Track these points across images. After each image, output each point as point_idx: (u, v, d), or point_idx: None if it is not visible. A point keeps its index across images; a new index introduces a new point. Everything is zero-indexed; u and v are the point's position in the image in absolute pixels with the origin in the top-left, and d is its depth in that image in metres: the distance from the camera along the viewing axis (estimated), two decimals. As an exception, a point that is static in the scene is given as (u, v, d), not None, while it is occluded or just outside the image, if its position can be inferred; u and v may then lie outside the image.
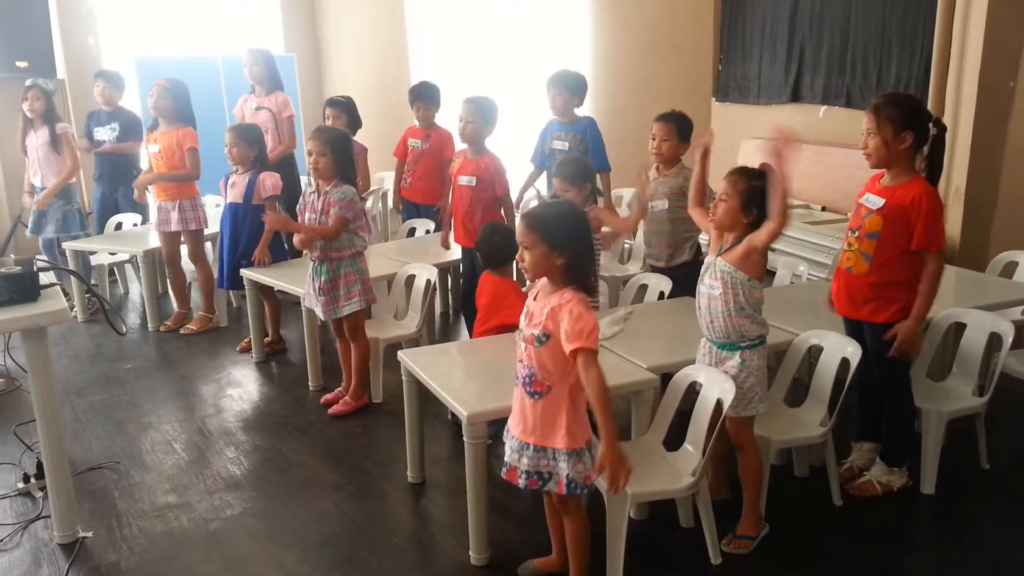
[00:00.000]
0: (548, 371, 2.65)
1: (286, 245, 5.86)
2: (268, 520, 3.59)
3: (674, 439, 3.24)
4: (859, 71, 6.36)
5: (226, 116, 8.16)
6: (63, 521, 3.41)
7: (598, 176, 4.93)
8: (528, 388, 2.70)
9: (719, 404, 3.02)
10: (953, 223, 5.43)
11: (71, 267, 6.04)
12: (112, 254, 6.80)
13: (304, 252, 4.48)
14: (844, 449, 3.72)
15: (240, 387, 5.06)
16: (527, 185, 5.61)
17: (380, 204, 7.77)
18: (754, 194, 2.98)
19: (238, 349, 5.62)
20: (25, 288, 3.19)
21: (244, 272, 5.23)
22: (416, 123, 6.19)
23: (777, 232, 2.93)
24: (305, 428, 4.47)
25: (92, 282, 6.63)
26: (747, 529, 3.23)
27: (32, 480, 3.83)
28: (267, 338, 5.54)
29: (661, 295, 4.34)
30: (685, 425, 3.21)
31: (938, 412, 3.55)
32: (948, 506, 3.52)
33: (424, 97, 6.09)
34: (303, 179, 6.40)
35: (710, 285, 3.10)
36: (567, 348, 2.55)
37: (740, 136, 7.30)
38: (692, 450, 3.14)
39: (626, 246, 5.98)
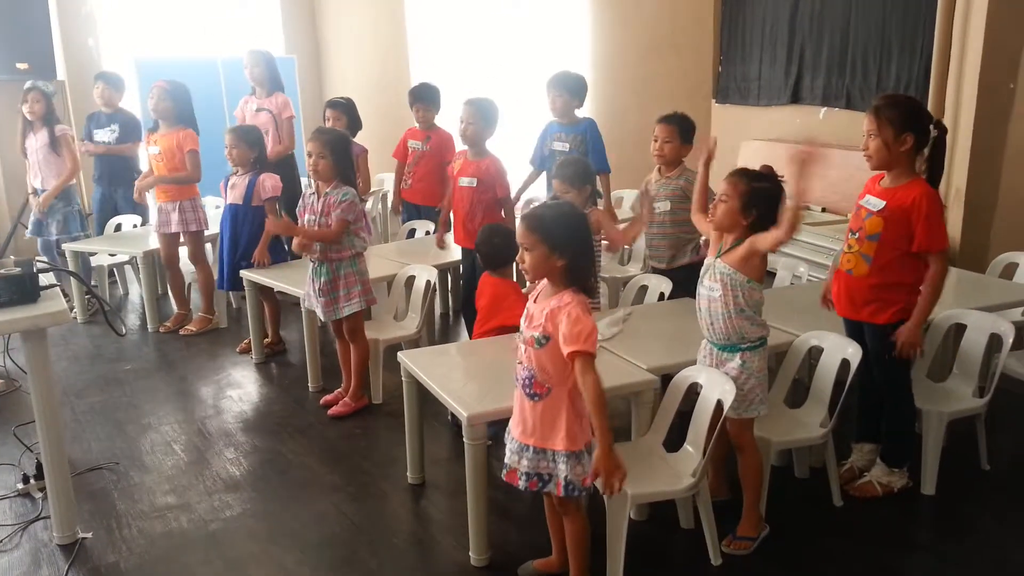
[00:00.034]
0: (548, 373, 2.65)
1: (286, 246, 5.87)
2: (268, 521, 3.58)
3: (674, 440, 3.24)
4: (859, 72, 6.36)
5: (226, 118, 8.16)
6: (63, 522, 3.41)
7: (598, 178, 4.92)
8: (528, 390, 2.70)
9: (719, 405, 3.01)
10: (953, 224, 5.43)
11: (71, 268, 6.04)
12: (112, 255, 6.80)
13: (303, 253, 4.48)
14: (844, 450, 3.72)
15: (240, 388, 5.06)
16: (525, 186, 5.61)
17: (380, 205, 7.77)
18: (754, 196, 2.99)
19: (238, 350, 5.62)
20: (25, 289, 3.19)
21: (244, 273, 5.22)
22: (416, 124, 6.19)
23: (783, 242, 2.94)
24: (305, 429, 4.47)
25: (92, 283, 6.63)
26: (747, 530, 3.23)
27: (32, 481, 3.83)
28: (267, 339, 5.54)
29: (661, 296, 4.33)
30: (685, 426, 3.20)
31: (938, 413, 3.55)
32: (948, 507, 3.52)
33: (424, 99, 6.10)
34: (303, 180, 6.40)
35: (710, 287, 3.10)
36: (565, 351, 2.56)
37: (740, 137, 7.31)
38: (692, 451, 3.14)
39: (626, 248, 5.97)
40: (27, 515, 3.64)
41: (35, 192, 6.47)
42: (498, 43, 8.68)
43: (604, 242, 4.38)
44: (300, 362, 5.33)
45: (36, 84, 6.39)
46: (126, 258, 6.90)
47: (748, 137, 7.30)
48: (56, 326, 3.25)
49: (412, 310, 4.93)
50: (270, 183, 5.27)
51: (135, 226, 6.69)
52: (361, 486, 3.86)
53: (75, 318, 6.24)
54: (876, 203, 3.29)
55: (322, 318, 4.52)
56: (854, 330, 3.47)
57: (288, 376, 5.27)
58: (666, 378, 3.32)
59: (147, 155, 5.95)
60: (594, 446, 2.67)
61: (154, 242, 6.02)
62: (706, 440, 3.06)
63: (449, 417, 4.22)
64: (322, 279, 4.38)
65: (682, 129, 4.28)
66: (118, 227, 6.66)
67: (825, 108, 6.76)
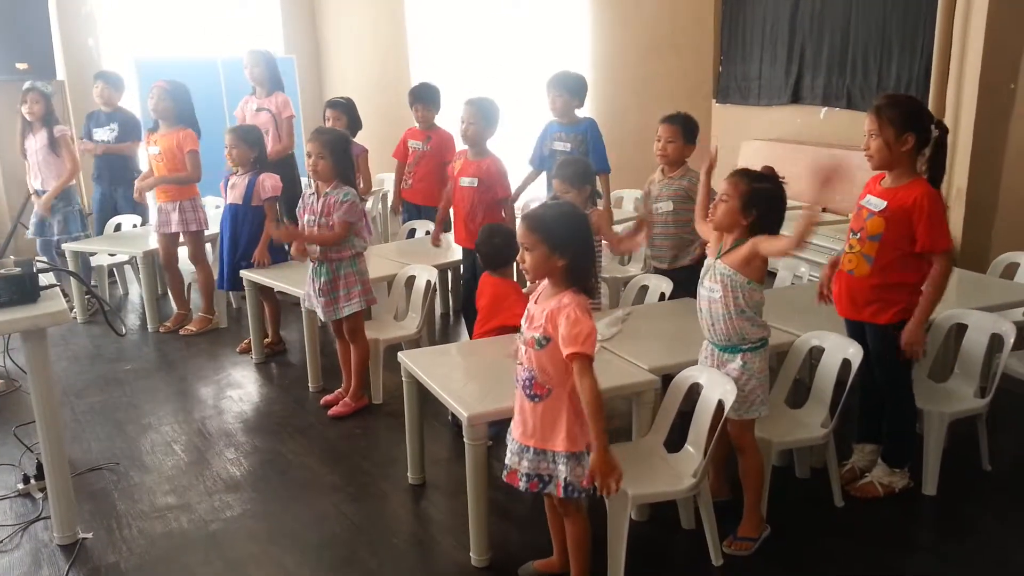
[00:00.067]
0: (548, 374, 2.65)
1: (286, 246, 5.87)
2: (268, 521, 3.58)
3: (675, 440, 3.24)
4: (859, 72, 6.36)
5: (226, 118, 8.15)
6: (63, 522, 3.41)
7: (598, 178, 4.92)
8: (528, 391, 2.69)
9: (720, 405, 3.01)
10: (954, 224, 5.42)
11: (71, 268, 6.04)
12: (111, 255, 6.80)
13: (301, 258, 4.47)
14: (845, 450, 3.71)
15: (240, 388, 5.06)
16: (524, 186, 5.61)
17: (380, 205, 7.76)
18: (755, 196, 2.98)
19: (238, 350, 5.62)
20: (25, 289, 3.19)
21: (244, 273, 5.22)
22: (416, 124, 6.18)
23: (788, 253, 2.94)
24: (305, 429, 4.47)
25: (92, 283, 6.63)
26: (748, 531, 3.22)
27: (32, 481, 3.82)
28: (267, 339, 5.53)
29: (662, 296, 4.33)
30: (686, 426, 3.20)
31: (940, 413, 3.54)
32: (950, 507, 3.52)
33: (423, 98, 6.09)
34: (304, 180, 6.40)
35: (710, 288, 3.09)
36: (564, 352, 2.56)
37: (740, 137, 7.31)
38: (693, 451, 3.14)
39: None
40: (27, 515, 3.64)
41: (36, 193, 6.46)
42: (498, 43, 8.67)
43: (605, 242, 4.37)
44: (300, 362, 5.33)
45: (35, 85, 6.38)
46: (126, 258, 6.90)
47: (748, 137, 7.30)
48: (56, 326, 3.25)
49: (412, 310, 4.93)
50: (270, 183, 5.27)
51: (135, 226, 6.68)
52: (361, 486, 3.86)
53: (75, 318, 6.23)
54: (877, 203, 3.29)
55: (322, 318, 4.52)
56: (855, 330, 3.46)
57: (288, 376, 5.26)
58: (667, 378, 3.32)
59: (147, 155, 5.94)
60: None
61: (154, 242, 6.02)
62: (707, 440, 3.06)
63: (449, 417, 4.22)
64: (322, 279, 4.38)
65: (685, 129, 4.27)
66: (118, 227, 6.65)
67: (826, 108, 6.76)
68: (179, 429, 4.49)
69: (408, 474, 3.84)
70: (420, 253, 5.38)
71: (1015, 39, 5.25)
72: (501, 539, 3.31)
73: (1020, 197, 5.42)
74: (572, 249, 2.62)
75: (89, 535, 3.45)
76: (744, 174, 3.04)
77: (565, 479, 2.67)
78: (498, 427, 3.42)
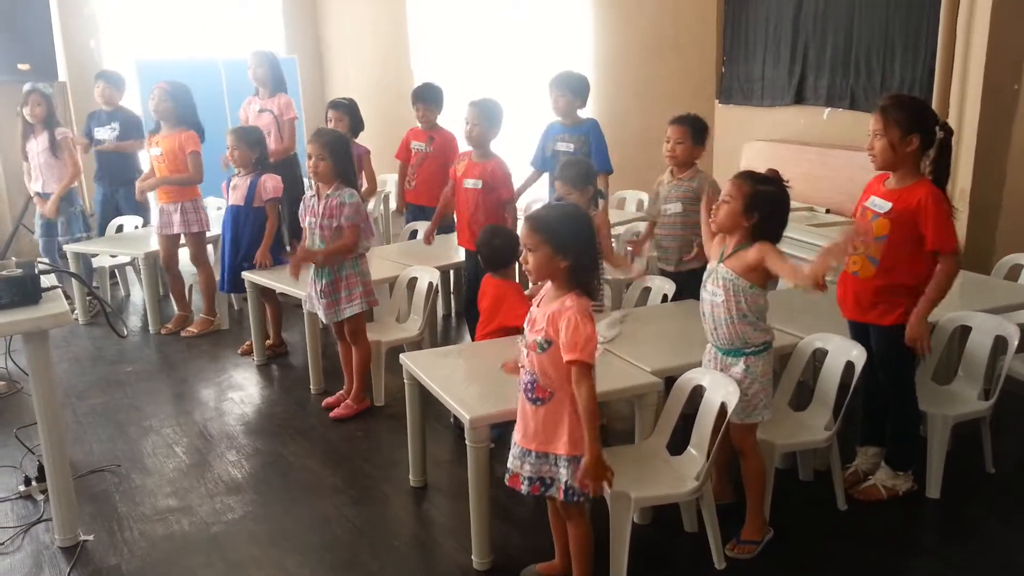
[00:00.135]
0: (550, 377, 2.64)
1: (287, 247, 5.86)
2: (269, 524, 3.57)
3: (678, 443, 3.23)
4: (863, 73, 6.34)
5: (227, 118, 8.15)
6: (64, 524, 3.40)
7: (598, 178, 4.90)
8: (530, 394, 2.69)
9: (723, 407, 3.00)
10: (958, 226, 5.33)
11: (72, 269, 6.04)
12: (113, 256, 6.80)
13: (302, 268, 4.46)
14: (849, 453, 3.70)
15: (241, 390, 5.05)
16: (525, 187, 5.60)
17: (382, 206, 7.75)
18: (757, 198, 2.97)
19: (239, 352, 5.61)
20: (26, 291, 3.18)
21: (245, 275, 5.21)
22: (418, 124, 6.17)
23: (791, 282, 2.93)
24: (306, 431, 4.46)
25: (93, 284, 6.63)
26: (751, 534, 3.21)
27: (33, 483, 3.82)
28: (268, 341, 5.52)
29: (664, 298, 4.32)
30: (689, 429, 3.19)
31: (943, 416, 3.53)
32: (953, 510, 3.50)
33: (424, 98, 6.07)
34: (306, 181, 6.39)
35: (712, 292, 3.08)
36: (563, 358, 2.56)
37: (743, 139, 7.28)
38: (696, 454, 3.13)
39: (629, 249, 5.94)
40: (29, 517, 3.64)
41: (37, 195, 6.45)
42: (500, 43, 8.66)
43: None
44: (302, 364, 5.32)
45: (36, 86, 6.38)
46: (127, 259, 6.90)
47: (751, 138, 7.28)
48: (58, 328, 3.24)
49: (414, 312, 4.92)
50: (271, 184, 5.26)
51: (137, 227, 6.68)
52: (363, 489, 3.85)
53: (76, 320, 6.23)
54: (882, 204, 3.27)
55: (324, 320, 4.51)
56: (859, 332, 3.45)
57: (290, 378, 5.26)
58: (670, 380, 3.31)
59: (149, 157, 5.93)
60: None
61: (155, 243, 6.02)
62: (710, 443, 3.05)
63: (451, 419, 4.21)
64: (324, 281, 4.37)
65: (694, 130, 4.26)
66: (119, 228, 6.66)
67: (829, 108, 6.73)
68: (180, 431, 4.49)
69: (410, 476, 3.83)
70: (422, 254, 5.37)
71: (1019, 39, 5.23)
72: (503, 542, 3.30)
73: (1024, 198, 5.41)
74: (575, 250, 2.62)
75: (90, 537, 3.45)
76: (748, 176, 3.03)
77: (566, 482, 2.67)
78: (500, 429, 3.42)
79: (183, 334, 6.01)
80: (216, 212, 6.47)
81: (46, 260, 6.36)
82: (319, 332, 4.88)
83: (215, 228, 6.02)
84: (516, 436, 2.77)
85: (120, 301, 7.10)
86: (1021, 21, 5.20)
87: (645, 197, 6.78)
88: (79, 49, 8.12)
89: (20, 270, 3.19)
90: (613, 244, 4.76)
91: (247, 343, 5.58)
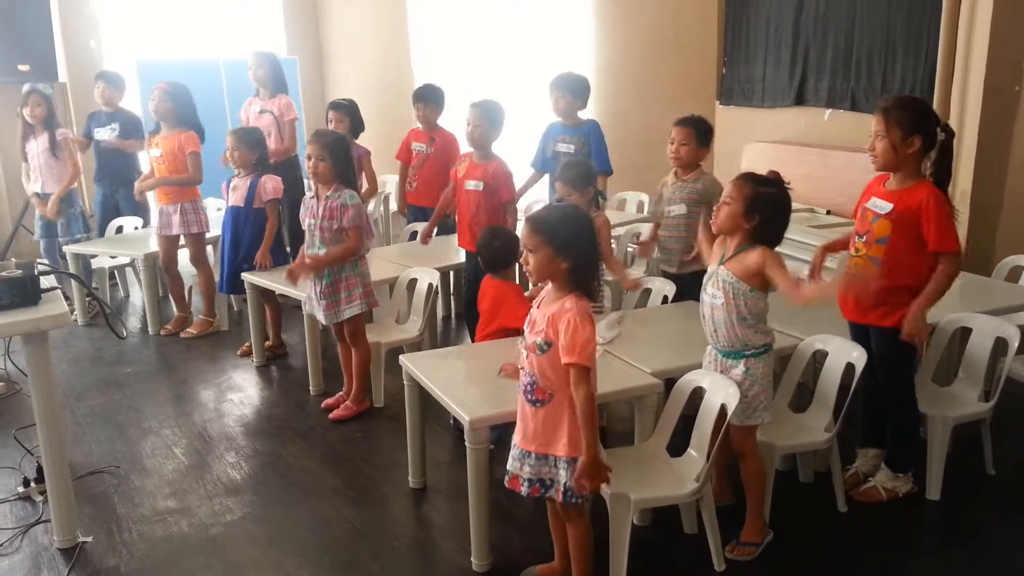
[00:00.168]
0: (549, 379, 2.64)
1: (287, 248, 5.86)
2: (268, 525, 3.57)
3: (678, 444, 3.22)
4: (864, 74, 6.34)
5: (227, 119, 8.15)
6: (63, 525, 3.40)
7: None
8: (530, 396, 2.68)
9: (723, 409, 3.00)
10: (959, 227, 5.38)
11: (72, 270, 6.04)
12: (113, 257, 6.79)
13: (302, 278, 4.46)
14: (849, 455, 3.69)
15: (241, 391, 5.04)
16: (525, 188, 5.60)
17: (382, 207, 7.75)
18: (758, 200, 2.96)
19: (239, 353, 5.61)
20: (26, 292, 3.17)
21: (245, 276, 5.21)
22: (418, 125, 6.17)
23: (786, 298, 2.94)
24: (306, 432, 4.45)
25: (93, 286, 6.62)
26: (751, 536, 3.21)
27: (32, 484, 3.81)
28: (268, 342, 5.52)
29: (665, 299, 4.31)
30: (689, 430, 3.18)
31: (943, 418, 3.53)
32: (953, 512, 3.50)
33: (425, 98, 6.05)
34: (306, 182, 6.39)
35: (712, 294, 3.08)
36: (562, 360, 2.56)
37: (744, 140, 7.28)
38: (696, 455, 3.12)
39: (629, 250, 5.95)
40: (27, 519, 3.63)
41: (36, 196, 6.44)
42: (500, 44, 8.66)
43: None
44: (301, 365, 5.31)
45: (35, 87, 6.38)
46: (127, 260, 6.89)
47: (752, 139, 7.28)
48: (57, 329, 3.24)
49: (414, 313, 4.91)
50: (271, 185, 5.26)
51: (136, 228, 6.67)
52: (362, 490, 3.84)
53: (76, 321, 6.22)
54: (883, 206, 3.27)
55: (323, 322, 4.50)
56: (859, 334, 3.45)
57: (289, 379, 5.25)
58: (670, 382, 3.31)
59: (149, 158, 5.93)
60: (598, 451, 2.67)
61: (155, 244, 6.01)
62: (710, 444, 3.04)
63: (451, 421, 4.20)
64: (323, 282, 4.36)
65: (699, 132, 4.24)
66: (119, 229, 6.65)
67: (830, 110, 6.73)
68: (180, 432, 4.48)
69: (409, 478, 3.83)
70: (422, 256, 5.36)
71: (1019, 40, 5.23)
72: (502, 543, 3.29)
73: (1025, 199, 5.40)
74: (576, 251, 2.61)
75: (89, 539, 3.45)
76: (749, 178, 3.02)
77: (565, 484, 2.67)
78: (500, 431, 3.42)
79: (182, 335, 6.00)
80: (216, 213, 6.46)
81: (46, 261, 6.36)
82: (319, 333, 4.88)
83: (215, 229, 6.02)
84: (516, 438, 2.77)
85: (119, 302, 7.10)
86: (1022, 22, 5.20)
87: (645, 198, 6.79)
88: (79, 49, 8.12)
89: (20, 271, 3.18)
90: (613, 246, 4.76)
91: (246, 344, 5.58)
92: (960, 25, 5.38)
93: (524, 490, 2.73)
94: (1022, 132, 5.33)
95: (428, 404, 3.58)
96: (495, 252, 4.09)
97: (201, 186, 5.88)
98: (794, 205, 3.09)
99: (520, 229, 2.85)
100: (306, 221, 4.39)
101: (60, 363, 5.45)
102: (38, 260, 4.55)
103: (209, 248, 6.19)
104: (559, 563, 3.03)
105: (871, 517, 3.45)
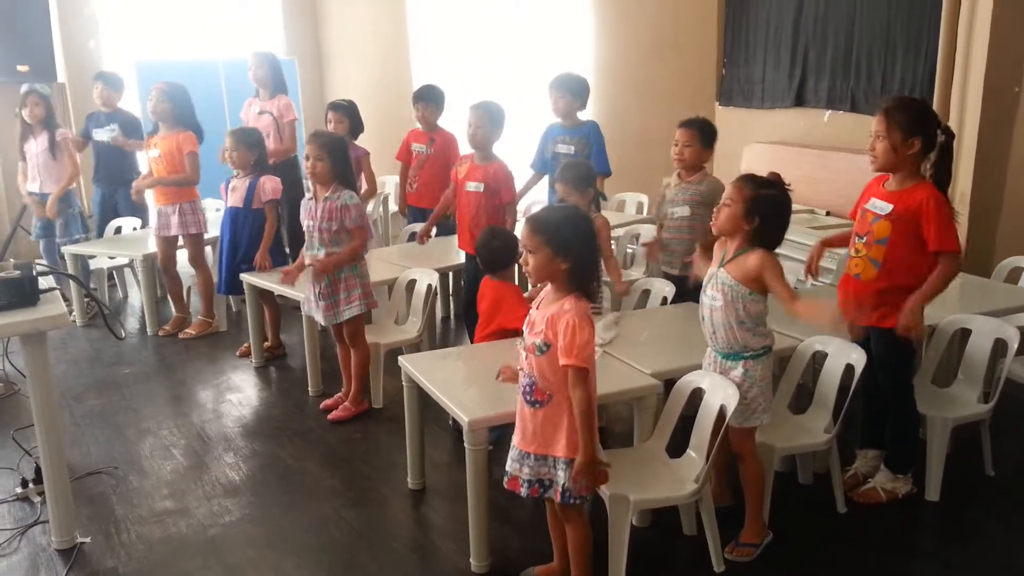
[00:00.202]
0: (548, 380, 2.64)
1: (287, 249, 5.86)
2: (267, 526, 3.56)
3: (677, 445, 3.22)
4: (864, 75, 6.34)
5: (226, 120, 8.14)
6: (61, 526, 3.39)
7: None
8: (528, 397, 2.68)
9: (722, 410, 2.99)
10: (959, 228, 5.39)
11: (70, 271, 6.03)
12: (111, 258, 6.78)
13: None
14: (848, 456, 3.69)
15: (239, 392, 5.04)
16: (526, 189, 5.59)
17: (381, 208, 7.74)
18: (758, 201, 2.95)
19: (237, 354, 5.60)
20: (24, 292, 3.17)
21: (244, 277, 5.20)
22: (417, 125, 6.16)
23: (783, 306, 2.95)
24: (305, 433, 4.45)
25: (91, 286, 6.61)
26: (750, 537, 3.21)
27: (30, 485, 3.81)
28: (267, 343, 5.51)
29: (664, 300, 4.31)
30: (688, 431, 3.18)
31: (943, 419, 3.52)
32: (953, 513, 3.50)
33: (424, 97, 6.04)
34: (306, 183, 6.38)
35: (712, 296, 3.07)
36: (560, 362, 2.56)
37: (744, 141, 7.28)
38: (695, 456, 3.12)
39: (629, 251, 5.95)
40: (26, 519, 3.62)
41: (31, 195, 6.43)
42: (499, 44, 8.65)
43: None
44: (300, 366, 5.31)
45: (34, 87, 6.37)
46: (125, 261, 6.88)
47: (752, 140, 7.28)
48: (55, 329, 3.23)
49: (413, 314, 4.91)
50: (270, 185, 5.25)
51: (135, 229, 6.67)
52: (361, 491, 3.84)
53: (74, 321, 6.22)
54: (883, 206, 3.27)
55: (322, 323, 4.50)
56: (858, 335, 3.45)
57: (288, 380, 5.24)
58: (669, 383, 3.30)
59: (148, 159, 5.92)
60: (598, 451, 2.67)
61: (153, 245, 6.00)
62: (709, 446, 3.04)
63: (450, 422, 4.20)
64: (323, 283, 4.36)
65: (703, 133, 4.23)
66: (118, 230, 6.64)
67: (830, 111, 6.73)
68: (178, 433, 4.48)
69: (408, 479, 3.82)
70: (421, 256, 5.36)
71: (1019, 41, 5.23)
72: (501, 544, 3.29)
73: (1024, 201, 5.40)
74: (576, 252, 2.61)
75: (87, 539, 3.44)
76: (749, 179, 3.01)
77: (563, 485, 2.66)
78: (499, 432, 3.42)
79: (181, 336, 6.00)
80: (215, 214, 6.45)
81: (44, 262, 6.35)
82: (317, 334, 4.87)
83: (213, 230, 6.01)
84: (515, 439, 2.77)
85: (118, 303, 7.09)
86: (1022, 23, 5.20)
87: (645, 199, 6.79)
88: (78, 50, 8.10)
89: (18, 272, 3.18)
90: (613, 247, 4.75)
91: (245, 345, 5.57)
92: (960, 26, 5.39)
93: (523, 491, 2.72)
94: (1022, 133, 5.34)
95: (427, 405, 3.58)
96: (494, 253, 4.09)
97: (200, 187, 5.87)
98: (794, 206, 3.09)
99: (520, 230, 2.85)
100: (305, 223, 4.38)
101: (58, 364, 5.45)
102: (36, 261, 4.55)
103: (208, 249, 6.18)
104: (558, 564, 3.02)
105: (870, 518, 3.44)
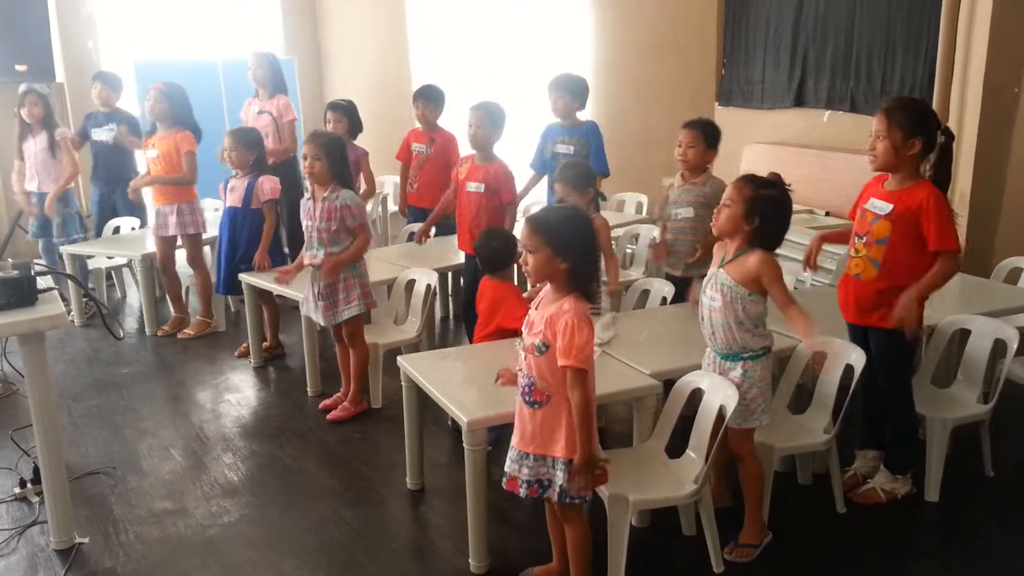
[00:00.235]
0: (547, 381, 2.63)
1: (285, 249, 5.85)
2: (266, 526, 3.56)
3: (677, 446, 3.21)
4: (863, 76, 6.34)
5: (225, 120, 8.14)
6: (59, 527, 3.38)
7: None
8: (527, 398, 2.68)
9: (722, 410, 2.99)
10: (958, 229, 5.40)
11: (68, 271, 6.02)
12: (110, 258, 6.77)
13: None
14: (848, 456, 3.69)
15: (238, 392, 5.03)
16: (527, 190, 5.59)
17: (380, 208, 7.73)
18: (758, 202, 2.95)
19: (236, 354, 5.59)
20: (23, 292, 3.16)
21: (242, 277, 5.19)
22: (417, 124, 6.15)
23: (777, 304, 2.99)
24: (303, 434, 4.44)
25: (89, 286, 6.60)
26: (750, 537, 3.20)
27: (28, 485, 3.80)
28: (265, 343, 5.50)
29: (664, 301, 4.31)
30: (687, 431, 3.18)
31: (942, 419, 3.52)
32: (952, 513, 3.50)
33: (424, 96, 6.02)
34: (305, 183, 6.37)
35: (711, 297, 3.07)
36: (558, 362, 2.56)
37: (744, 141, 7.27)
38: (695, 457, 3.11)
39: (628, 251, 5.95)
40: (24, 520, 3.62)
41: (27, 194, 6.42)
42: (499, 44, 8.65)
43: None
44: (299, 366, 5.31)
45: (32, 87, 6.36)
46: (124, 261, 6.87)
47: (751, 140, 7.28)
48: (54, 329, 3.23)
49: (412, 314, 4.90)
50: (269, 185, 5.24)
51: (133, 229, 6.66)
52: (360, 491, 3.83)
53: (72, 321, 6.21)
54: (883, 206, 3.26)
55: (321, 323, 4.49)
56: (858, 335, 3.44)
57: (287, 380, 5.24)
58: (668, 383, 3.30)
59: (146, 159, 5.91)
60: (598, 451, 2.67)
61: (152, 245, 5.99)
62: (708, 446, 3.03)
63: (449, 422, 4.19)
64: (322, 283, 4.35)
65: (707, 134, 4.22)
66: (116, 230, 6.63)
67: (829, 111, 6.73)
68: (176, 433, 4.47)
69: (407, 479, 3.82)
70: (420, 256, 5.35)
71: (1019, 42, 5.23)
72: (500, 545, 3.29)
73: (1024, 201, 5.41)
74: (575, 252, 2.61)
75: (86, 540, 3.44)
76: (750, 180, 3.01)
77: (561, 486, 2.66)
78: (498, 432, 3.41)
79: (180, 336, 5.99)
80: (214, 214, 6.44)
81: (43, 261, 6.34)
82: (316, 334, 4.86)
83: (212, 230, 6.00)
84: (514, 440, 2.76)
85: (116, 303, 7.08)
86: (1021, 24, 5.20)
87: (644, 199, 6.78)
88: (77, 50, 8.09)
89: (16, 272, 3.17)
90: (613, 247, 4.74)
91: (244, 345, 5.56)
92: (960, 26, 5.39)
93: (522, 492, 2.72)
94: (1022, 134, 5.34)
95: (426, 405, 3.57)
96: (493, 253, 4.09)
97: (199, 187, 5.86)
98: (793, 207, 3.08)
99: (519, 230, 2.84)
100: (304, 224, 4.38)
101: (57, 364, 5.44)
102: (35, 261, 4.54)
103: (207, 249, 6.17)
104: (557, 564, 3.02)
105: (870, 519, 3.44)
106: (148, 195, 6.06)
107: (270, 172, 5.38)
